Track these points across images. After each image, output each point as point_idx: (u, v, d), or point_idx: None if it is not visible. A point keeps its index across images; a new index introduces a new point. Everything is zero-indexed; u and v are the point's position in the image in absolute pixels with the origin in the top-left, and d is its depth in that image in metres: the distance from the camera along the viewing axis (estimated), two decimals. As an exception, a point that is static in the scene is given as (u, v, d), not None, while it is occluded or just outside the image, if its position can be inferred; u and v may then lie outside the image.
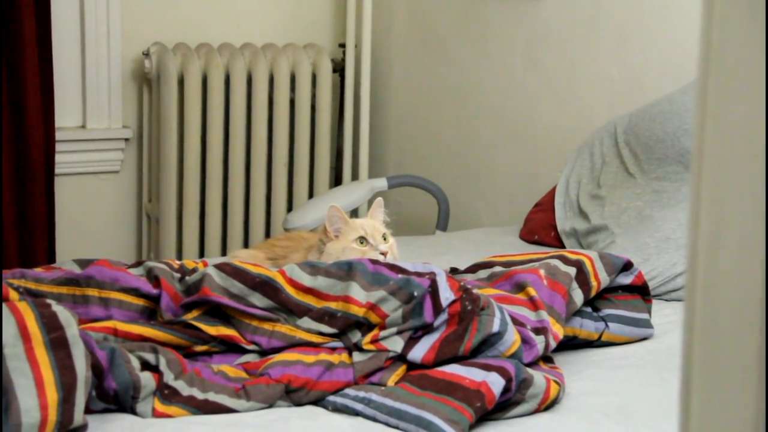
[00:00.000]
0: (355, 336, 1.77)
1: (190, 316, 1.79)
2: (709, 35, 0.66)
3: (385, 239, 2.05)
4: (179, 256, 3.49)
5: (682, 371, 0.70)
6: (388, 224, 2.12)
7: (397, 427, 1.60)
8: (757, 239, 0.64)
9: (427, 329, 1.75)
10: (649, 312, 2.07)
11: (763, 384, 0.64)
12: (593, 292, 1.97)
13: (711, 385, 0.68)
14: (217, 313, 1.81)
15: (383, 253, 2.02)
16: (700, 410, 0.69)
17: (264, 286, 1.81)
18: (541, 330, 1.81)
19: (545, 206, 2.85)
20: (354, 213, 3.55)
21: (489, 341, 1.73)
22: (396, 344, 1.74)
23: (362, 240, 2.03)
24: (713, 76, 0.66)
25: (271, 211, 3.60)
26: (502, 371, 1.65)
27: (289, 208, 3.60)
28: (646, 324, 2.05)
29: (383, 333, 1.75)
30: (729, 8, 0.64)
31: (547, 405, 1.69)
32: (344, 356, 1.75)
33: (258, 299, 1.81)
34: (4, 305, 1.57)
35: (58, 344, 1.52)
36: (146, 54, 3.44)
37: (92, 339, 1.63)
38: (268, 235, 3.56)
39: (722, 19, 0.65)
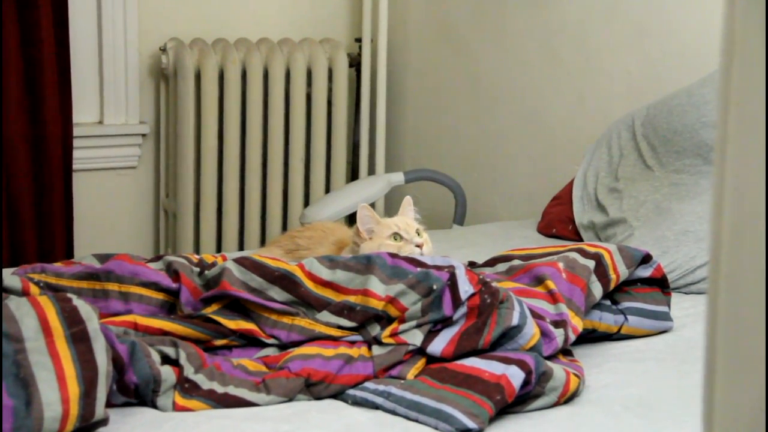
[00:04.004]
0: (375, 329, 1.77)
1: (209, 310, 1.80)
2: (732, 21, 0.65)
3: (419, 234, 2.06)
4: (197, 252, 3.50)
5: (705, 363, 0.70)
6: (420, 221, 2.13)
7: (417, 420, 1.60)
8: (781, 229, 0.64)
9: (446, 322, 1.75)
10: (669, 305, 2.06)
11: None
12: (612, 285, 1.97)
13: (735, 377, 0.68)
14: (237, 307, 1.81)
15: (419, 246, 2.03)
16: (723, 403, 0.69)
17: (283, 279, 1.81)
18: (560, 323, 1.81)
19: (563, 200, 2.84)
20: (371, 207, 3.54)
21: (508, 334, 1.73)
22: (415, 338, 1.74)
23: (396, 236, 2.03)
24: (737, 64, 0.66)
25: (288, 205, 3.61)
26: (521, 364, 1.65)
27: (306, 203, 3.61)
28: (666, 317, 2.05)
29: (402, 326, 1.75)
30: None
31: (567, 398, 1.69)
32: (364, 350, 1.75)
33: (277, 293, 1.81)
34: (25, 299, 1.57)
35: (79, 338, 1.53)
36: (163, 50, 3.45)
37: (113, 333, 1.64)
38: (285, 229, 3.57)
39: (745, 7, 0.65)
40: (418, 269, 1.80)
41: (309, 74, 3.55)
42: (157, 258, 1.95)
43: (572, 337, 1.83)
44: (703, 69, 2.71)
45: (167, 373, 1.64)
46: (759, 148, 0.65)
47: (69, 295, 1.61)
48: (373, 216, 2.05)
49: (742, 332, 0.68)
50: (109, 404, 1.58)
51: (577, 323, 1.85)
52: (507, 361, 1.66)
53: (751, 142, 0.66)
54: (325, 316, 1.79)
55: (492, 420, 1.60)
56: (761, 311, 0.66)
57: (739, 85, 0.66)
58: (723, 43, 0.67)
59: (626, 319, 1.99)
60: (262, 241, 3.57)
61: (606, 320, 1.98)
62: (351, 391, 1.68)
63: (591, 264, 1.95)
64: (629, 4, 3.01)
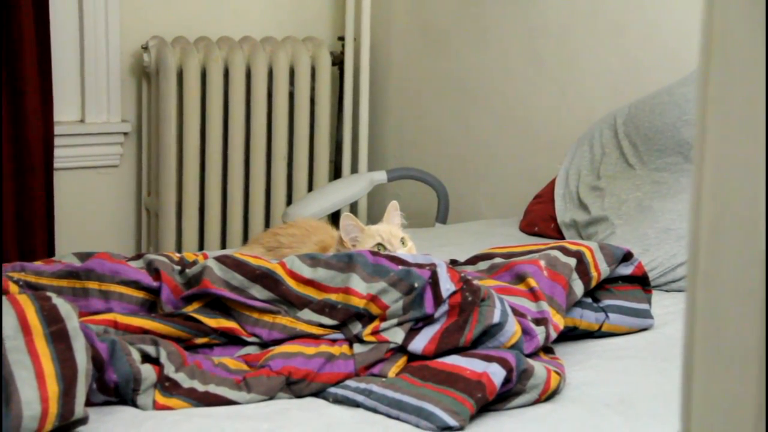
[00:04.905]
0: (356, 327, 1.77)
1: (190, 309, 1.79)
2: (711, 20, 0.66)
3: (403, 243, 2.05)
4: (179, 250, 3.49)
5: (683, 360, 0.70)
6: (406, 227, 2.12)
7: (398, 418, 1.60)
8: (758, 227, 0.64)
9: (427, 320, 1.75)
10: (649, 302, 2.07)
11: (764, 373, 0.64)
12: (593, 283, 1.98)
13: (712, 374, 0.68)
14: (218, 305, 1.81)
15: None
16: (701, 399, 0.69)
17: (264, 278, 1.81)
18: (541, 321, 1.81)
19: (545, 198, 2.85)
20: (353, 206, 3.55)
21: (490, 332, 1.73)
22: (397, 335, 1.74)
23: (380, 246, 2.03)
24: (715, 62, 0.66)
25: (270, 204, 3.60)
26: (502, 362, 1.65)
27: (289, 202, 3.60)
28: (647, 314, 2.05)
29: (384, 324, 1.75)
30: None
31: (548, 395, 1.69)
32: (345, 348, 1.75)
33: (258, 291, 1.81)
34: (4, 298, 1.56)
35: (58, 337, 1.52)
36: (145, 48, 3.44)
37: (93, 332, 1.63)
38: (267, 228, 3.56)
39: (724, 6, 0.65)
40: (400, 267, 1.80)
41: (292, 73, 3.55)
42: (138, 256, 1.95)
43: (553, 335, 1.83)
44: (684, 68, 2.72)
45: (147, 371, 1.63)
46: (737, 145, 0.65)
47: (48, 293, 1.61)
48: (356, 224, 2.04)
49: (720, 329, 0.68)
50: (89, 403, 1.57)
51: (559, 321, 1.86)
52: (488, 358, 1.67)
53: (729, 140, 0.66)
54: (307, 314, 1.79)
55: (473, 418, 1.60)
56: (739, 308, 0.66)
57: (717, 82, 0.66)
58: (702, 41, 0.67)
59: (607, 316, 2.00)
60: (245, 240, 3.56)
61: (587, 318, 1.98)
62: (332, 390, 1.68)
63: (572, 262, 1.95)
64: (610, 3, 3.01)
